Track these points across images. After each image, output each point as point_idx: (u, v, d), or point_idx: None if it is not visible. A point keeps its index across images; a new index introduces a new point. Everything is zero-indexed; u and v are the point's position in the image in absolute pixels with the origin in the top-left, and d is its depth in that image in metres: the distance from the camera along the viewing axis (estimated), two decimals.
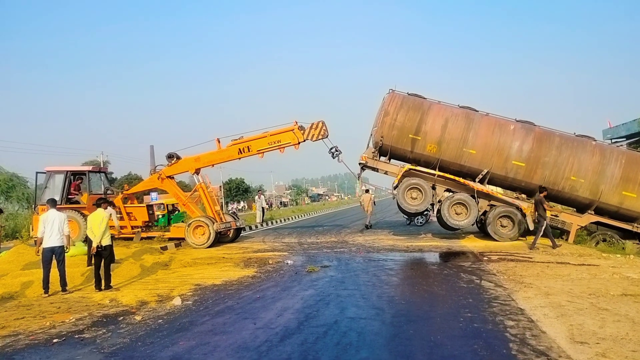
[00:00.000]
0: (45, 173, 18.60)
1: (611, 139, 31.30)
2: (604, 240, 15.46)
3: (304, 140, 17.86)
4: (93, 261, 11.63)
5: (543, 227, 14.23)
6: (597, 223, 16.13)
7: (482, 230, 18.13)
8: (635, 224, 15.37)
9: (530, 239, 16.35)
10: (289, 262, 13.26)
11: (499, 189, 17.77)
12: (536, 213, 14.72)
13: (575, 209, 16.87)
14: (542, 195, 14.54)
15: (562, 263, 11.81)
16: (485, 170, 16.29)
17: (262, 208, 30.68)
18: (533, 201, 15.21)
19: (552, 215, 16.29)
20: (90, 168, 20.32)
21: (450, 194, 16.73)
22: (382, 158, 17.75)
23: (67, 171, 18.54)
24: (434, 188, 16.84)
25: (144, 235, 18.92)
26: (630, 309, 7.21)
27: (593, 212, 15.99)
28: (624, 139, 31.22)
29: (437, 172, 16.64)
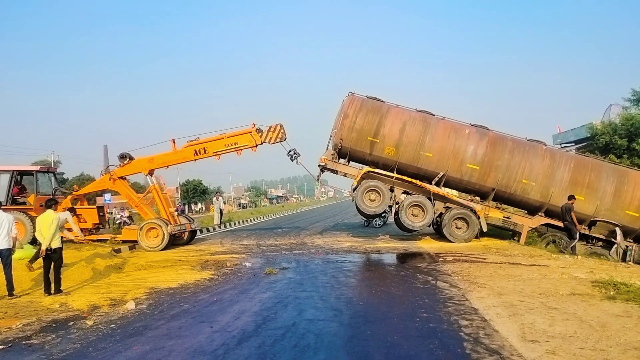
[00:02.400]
0: None
1: (561, 144, 32.51)
2: (554, 242, 15.98)
3: (262, 143, 17.75)
4: (33, 263, 11.24)
5: (577, 233, 14.69)
6: (548, 225, 16.66)
7: (437, 231, 18.45)
8: (583, 226, 15.96)
9: (484, 240, 16.81)
10: (247, 264, 13.13)
11: (454, 192, 18.14)
12: (563, 222, 15.15)
13: (526, 211, 17.36)
14: (570, 202, 14.93)
15: (513, 264, 12.15)
16: (442, 173, 16.60)
17: (220, 210, 30.34)
18: (561, 209, 15.44)
19: (504, 217, 16.76)
20: (38, 168, 19.53)
21: (408, 196, 16.97)
22: (342, 160, 17.83)
23: (13, 171, 17.75)
24: (392, 190, 17.04)
25: (93, 237, 18.34)
26: (578, 308, 7.49)
27: (543, 214, 16.53)
28: (573, 143, 32.49)
29: (395, 175, 16.84)
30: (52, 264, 9.73)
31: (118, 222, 23.49)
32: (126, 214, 26.25)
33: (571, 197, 15.11)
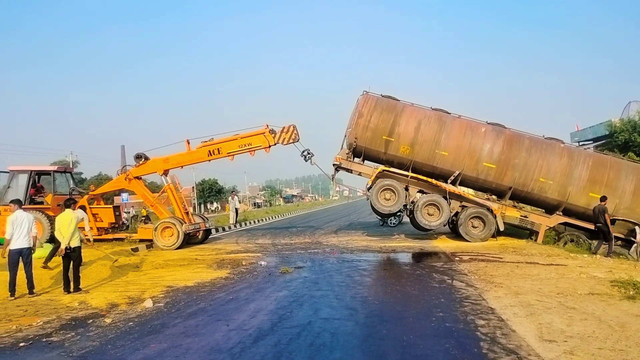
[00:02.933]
0: (7, 172, 18.08)
1: (579, 142, 32.06)
2: (572, 241, 15.80)
3: (275, 144, 17.81)
4: (49, 264, 11.42)
5: (612, 235, 14.14)
6: (565, 224, 16.47)
7: (453, 231, 18.35)
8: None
9: (501, 239, 16.68)
10: (263, 263, 13.19)
11: (471, 190, 18.03)
12: (595, 224, 14.50)
13: (544, 210, 17.20)
14: (603, 203, 14.31)
15: (531, 263, 12.04)
16: (457, 172, 16.50)
17: (236, 209, 30.50)
18: (593, 210, 14.75)
19: (521, 216, 16.60)
20: (55, 168, 19.80)
21: (423, 195, 16.90)
22: (356, 159, 17.82)
23: (31, 171, 18.03)
24: (407, 189, 16.99)
25: (109, 236, 18.57)
26: (596, 308, 7.40)
27: (561, 213, 16.35)
28: (591, 141, 32.02)
29: (410, 174, 16.78)
30: (71, 262, 9.88)
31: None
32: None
33: (604, 198, 14.51)
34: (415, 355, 5.64)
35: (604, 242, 14.39)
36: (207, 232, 20.11)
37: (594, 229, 14.88)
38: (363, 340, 6.29)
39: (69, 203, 10.47)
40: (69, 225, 9.77)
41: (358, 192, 18.82)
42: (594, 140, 31.67)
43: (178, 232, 17.20)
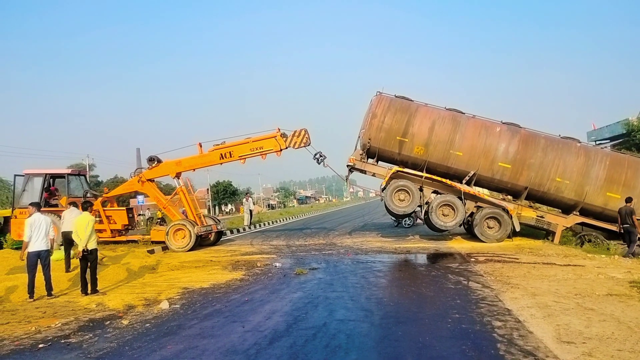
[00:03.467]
0: (23, 176, 18.34)
1: (595, 141, 31.72)
2: (589, 241, 15.61)
3: (286, 148, 17.89)
4: (71, 267, 11.57)
5: (637, 236, 13.72)
6: (582, 224, 16.29)
7: (469, 231, 18.24)
8: (621, 225, 15.51)
9: (517, 239, 16.53)
10: (277, 264, 13.22)
11: (486, 191, 17.90)
12: (621, 225, 13.98)
13: (560, 210, 17.03)
14: (630, 205, 13.92)
15: (548, 264, 11.92)
16: (472, 172, 16.40)
17: (250, 210, 30.63)
18: (618, 212, 14.19)
19: (537, 216, 16.44)
20: (69, 171, 20.05)
21: (438, 195, 16.82)
22: (370, 160, 17.79)
23: (46, 174, 18.28)
24: (421, 190, 16.92)
25: (123, 238, 18.76)
26: (615, 309, 7.30)
27: (578, 213, 16.17)
28: (608, 140, 31.67)
29: (424, 174, 16.71)
30: (89, 264, 9.98)
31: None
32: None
33: (629, 199, 14.09)
34: (432, 356, 5.61)
35: (622, 242, 14.16)
36: (219, 233, 20.25)
37: (619, 231, 14.41)
38: (379, 342, 6.27)
39: (86, 206, 10.59)
40: (86, 227, 9.87)
41: (371, 193, 18.81)
42: (611, 139, 31.33)
43: (190, 234, 17.35)
